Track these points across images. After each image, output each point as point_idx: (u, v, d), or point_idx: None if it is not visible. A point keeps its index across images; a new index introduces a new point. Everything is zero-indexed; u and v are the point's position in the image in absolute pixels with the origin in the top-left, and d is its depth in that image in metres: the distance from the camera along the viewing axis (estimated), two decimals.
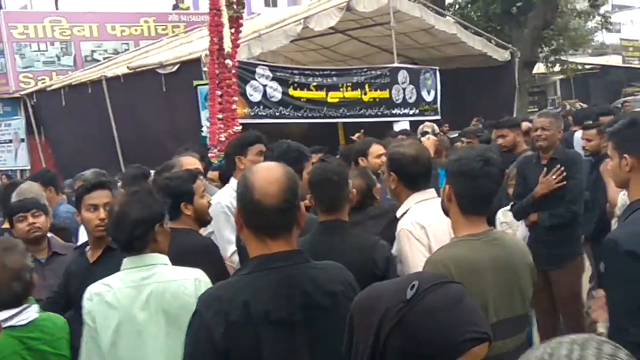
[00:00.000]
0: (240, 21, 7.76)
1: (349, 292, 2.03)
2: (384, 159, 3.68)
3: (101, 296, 2.49)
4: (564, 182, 4.49)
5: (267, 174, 1.99)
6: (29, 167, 12.64)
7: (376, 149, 4.58)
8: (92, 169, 5.07)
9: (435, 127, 9.58)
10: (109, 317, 2.48)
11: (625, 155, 2.55)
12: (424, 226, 2.92)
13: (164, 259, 2.59)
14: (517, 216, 4.73)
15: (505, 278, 2.39)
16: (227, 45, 7.61)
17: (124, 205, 2.58)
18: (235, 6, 7.53)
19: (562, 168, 4.49)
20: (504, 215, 4.90)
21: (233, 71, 7.68)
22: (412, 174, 3.06)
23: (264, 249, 1.97)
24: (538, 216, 4.59)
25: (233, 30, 7.61)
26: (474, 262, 2.35)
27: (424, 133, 8.27)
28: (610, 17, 25.97)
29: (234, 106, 7.74)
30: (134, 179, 4.28)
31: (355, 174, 3.87)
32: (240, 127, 7.54)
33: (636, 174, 2.54)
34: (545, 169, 4.56)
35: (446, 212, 2.53)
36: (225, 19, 7.51)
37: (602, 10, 24.88)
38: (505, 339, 2.35)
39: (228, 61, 7.56)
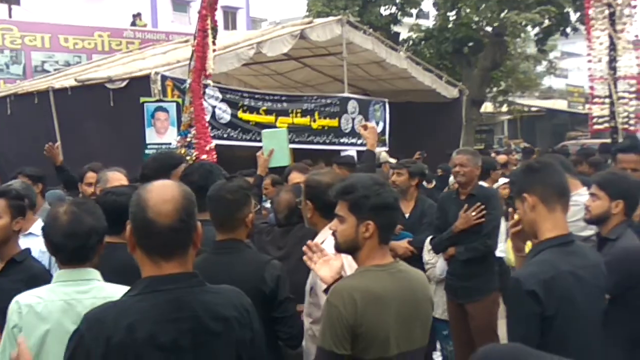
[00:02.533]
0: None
1: (243, 318, 2.01)
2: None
3: (31, 307, 2.43)
4: (482, 219, 4.66)
5: (162, 192, 1.93)
6: None
7: (294, 176, 4.70)
8: (19, 180, 4.92)
9: (385, 155, 9.79)
10: (37, 327, 2.42)
11: (525, 196, 2.60)
12: (341, 256, 2.88)
13: (98, 274, 2.56)
14: (436, 249, 4.91)
15: (409, 310, 2.42)
16: (210, 67, 7.70)
17: (75, 213, 2.53)
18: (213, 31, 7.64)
19: (482, 206, 4.66)
20: (428, 254, 5.09)
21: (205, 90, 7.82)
22: (328, 203, 2.91)
23: (156, 270, 1.92)
24: (455, 250, 4.75)
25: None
26: (379, 292, 2.36)
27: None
28: (557, 63, 26.97)
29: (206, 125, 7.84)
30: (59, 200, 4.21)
31: (286, 189, 3.94)
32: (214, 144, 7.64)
33: (538, 212, 2.58)
34: (466, 205, 4.73)
35: (344, 250, 2.52)
36: (210, 41, 7.59)
37: (550, 56, 25.83)
38: None
39: (209, 81, 7.65)
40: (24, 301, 2.44)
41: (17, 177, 5.10)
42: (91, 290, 2.48)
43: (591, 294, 2.59)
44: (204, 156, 7.58)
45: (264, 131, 5.83)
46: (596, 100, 8.68)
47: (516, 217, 2.72)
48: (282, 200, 3.83)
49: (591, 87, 8.89)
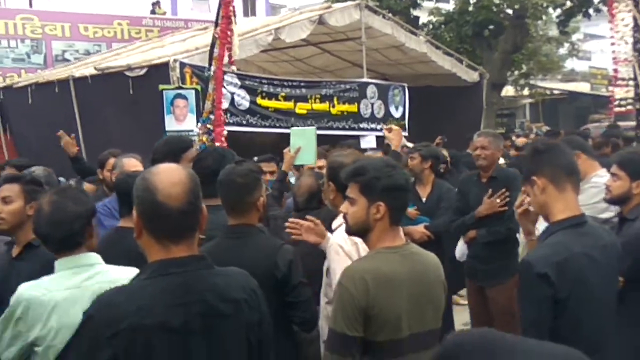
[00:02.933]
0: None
1: (252, 300, 2.01)
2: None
3: (37, 299, 2.43)
4: (506, 207, 4.60)
5: (170, 175, 1.92)
6: None
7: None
8: (41, 167, 4.98)
9: (403, 139, 9.73)
10: (46, 318, 2.42)
11: (534, 179, 2.58)
12: (356, 242, 2.91)
13: (98, 258, 2.57)
14: (457, 231, 4.85)
15: (420, 292, 2.43)
16: (235, 53, 7.73)
17: (57, 202, 2.55)
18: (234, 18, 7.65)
19: (507, 192, 4.60)
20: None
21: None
22: None
23: (164, 254, 1.91)
24: (476, 232, 4.70)
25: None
26: (390, 275, 2.36)
27: (387, 145, 8.40)
28: (580, 46, 26.55)
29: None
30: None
31: (308, 173, 3.95)
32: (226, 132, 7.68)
33: (549, 193, 2.56)
34: (490, 190, 4.67)
35: (355, 232, 2.53)
36: (234, 27, 7.61)
37: (573, 38, 25.44)
38: (419, 352, 2.39)
39: (233, 67, 7.71)
40: (28, 293, 2.44)
41: (5, 168, 5.20)
42: (95, 275, 2.50)
43: (605, 276, 2.56)
44: (217, 144, 7.62)
45: (293, 129, 5.78)
46: (619, 82, 8.54)
47: (521, 197, 2.69)
48: (304, 183, 3.84)
49: (615, 70, 8.75)
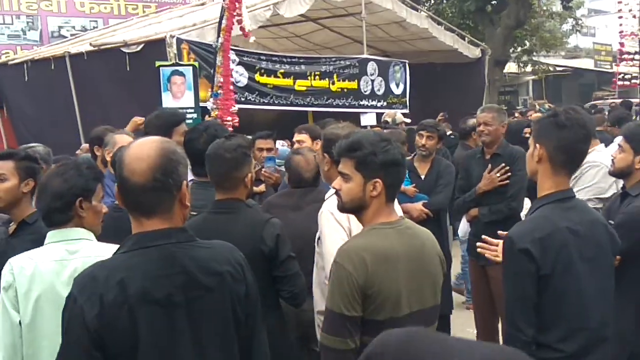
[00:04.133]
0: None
1: (237, 272, 1.98)
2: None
3: (23, 269, 2.45)
4: (507, 181, 4.51)
5: (138, 150, 1.90)
6: None
7: (302, 137, 4.71)
8: (41, 145, 4.93)
9: (400, 116, 9.64)
10: (30, 290, 2.44)
11: (537, 144, 2.52)
12: None
13: (89, 234, 2.56)
14: (459, 210, 4.77)
15: (418, 268, 2.36)
16: (247, 25, 7.64)
17: (47, 177, 2.59)
18: None
19: (507, 166, 4.51)
20: None
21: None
22: None
23: (139, 227, 1.91)
24: (478, 211, 4.62)
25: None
26: (388, 251, 2.29)
27: (385, 122, 8.30)
28: (584, 21, 26.27)
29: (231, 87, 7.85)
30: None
31: (309, 150, 3.90)
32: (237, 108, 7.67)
33: (544, 167, 2.51)
34: (489, 165, 4.57)
35: (349, 209, 2.43)
36: None
37: (577, 13, 25.17)
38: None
39: (252, 38, 7.76)
40: (16, 263, 2.47)
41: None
42: (80, 250, 2.50)
43: (592, 251, 2.50)
44: (228, 118, 7.53)
45: None
46: (625, 57, 8.46)
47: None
48: (311, 159, 3.78)
49: (621, 44, 8.66)
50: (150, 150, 1.89)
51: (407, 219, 2.52)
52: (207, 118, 7.55)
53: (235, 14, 7.46)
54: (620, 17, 8.24)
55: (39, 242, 2.64)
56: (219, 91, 7.66)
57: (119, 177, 1.90)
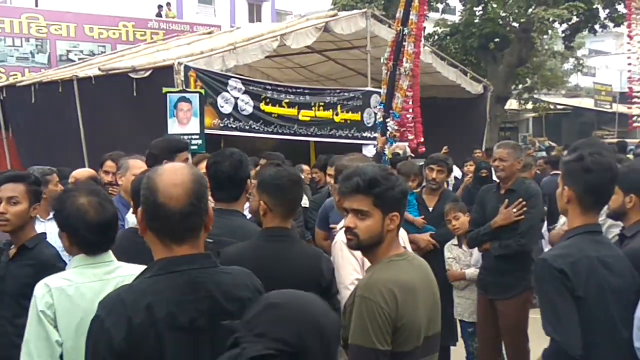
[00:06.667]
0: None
1: (256, 298, 1.94)
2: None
3: (62, 290, 2.37)
4: (523, 217, 4.54)
5: (172, 176, 1.89)
6: None
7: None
8: (39, 167, 4.92)
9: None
10: (71, 312, 2.35)
11: (565, 187, 2.63)
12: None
13: (112, 255, 2.54)
14: (472, 243, 4.80)
15: (430, 296, 2.40)
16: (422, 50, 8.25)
17: (100, 204, 2.50)
18: None
19: (523, 202, 4.54)
20: (449, 250, 5.03)
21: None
22: None
23: (167, 253, 1.90)
24: (489, 245, 4.65)
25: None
26: (409, 283, 2.31)
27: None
28: (585, 61, 26.54)
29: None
30: None
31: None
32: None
33: (572, 207, 2.63)
34: (507, 200, 4.60)
35: (366, 246, 2.39)
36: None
37: (578, 53, 25.44)
38: (433, 355, 2.39)
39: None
40: (54, 284, 2.38)
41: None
42: (116, 269, 2.47)
43: (619, 282, 2.56)
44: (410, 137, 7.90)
45: None
46: (635, 100, 8.78)
47: None
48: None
49: (630, 89, 8.95)
50: (183, 176, 1.90)
51: (408, 250, 2.57)
52: (380, 137, 7.74)
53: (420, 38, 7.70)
54: (629, 64, 8.54)
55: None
56: (401, 112, 7.74)
57: (152, 204, 1.88)
